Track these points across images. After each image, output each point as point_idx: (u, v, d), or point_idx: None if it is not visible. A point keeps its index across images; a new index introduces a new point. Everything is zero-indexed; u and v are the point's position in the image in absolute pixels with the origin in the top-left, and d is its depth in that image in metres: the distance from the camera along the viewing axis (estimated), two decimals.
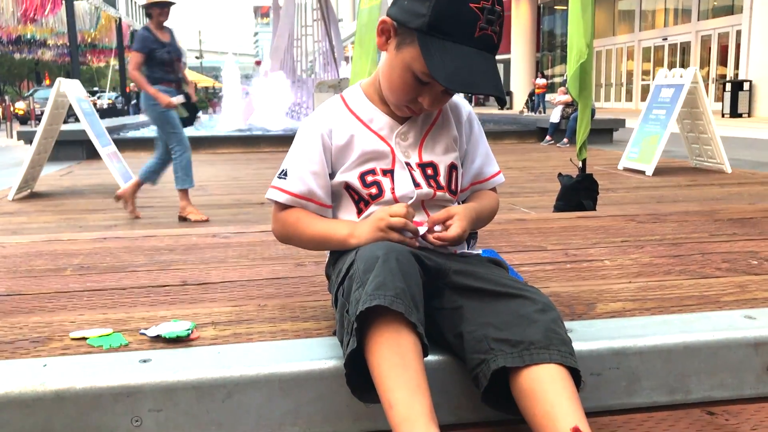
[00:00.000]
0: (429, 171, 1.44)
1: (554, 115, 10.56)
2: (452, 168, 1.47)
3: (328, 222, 1.44)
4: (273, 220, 1.48)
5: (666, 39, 25.54)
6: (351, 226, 1.40)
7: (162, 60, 4.73)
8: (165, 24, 4.82)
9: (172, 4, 4.82)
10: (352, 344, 1.16)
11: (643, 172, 6.32)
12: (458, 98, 1.53)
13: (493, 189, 1.59)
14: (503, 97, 1.39)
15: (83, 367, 1.28)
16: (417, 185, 1.42)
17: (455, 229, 1.35)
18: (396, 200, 1.40)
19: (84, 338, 1.44)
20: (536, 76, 23.90)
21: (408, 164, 1.43)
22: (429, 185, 1.43)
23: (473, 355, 1.23)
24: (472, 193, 1.56)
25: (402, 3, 1.32)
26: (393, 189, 1.41)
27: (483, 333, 1.22)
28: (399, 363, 1.14)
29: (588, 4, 3.42)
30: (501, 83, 1.34)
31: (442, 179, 1.45)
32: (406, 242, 1.33)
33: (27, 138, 8.62)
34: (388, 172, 1.42)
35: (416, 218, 1.42)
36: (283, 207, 1.45)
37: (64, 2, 17.55)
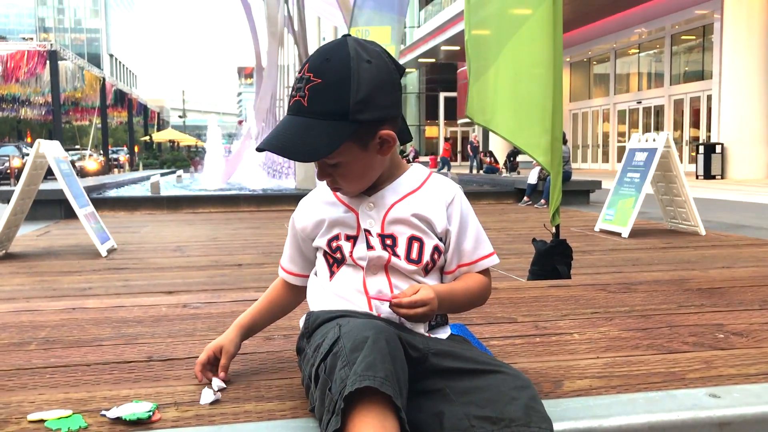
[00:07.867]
0: (388, 241, 1.49)
1: (532, 177, 10.71)
2: (413, 239, 1.49)
3: (250, 309, 1.71)
4: None
5: (640, 102, 26.27)
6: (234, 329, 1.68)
7: None
8: None
9: None
10: (335, 423, 1.15)
11: (619, 234, 6.39)
12: (445, 180, 1.58)
13: (485, 271, 1.58)
14: (275, 151, 1.39)
15: None
16: (371, 248, 1.48)
17: (424, 292, 1.39)
18: (354, 261, 1.48)
19: (42, 420, 1.41)
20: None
21: (368, 231, 1.49)
22: (384, 250, 1.48)
23: None
24: (459, 275, 1.56)
25: None
26: (351, 252, 1.48)
27: (465, 411, 1.24)
28: None
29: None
30: (285, 140, 1.38)
31: (399, 249, 1.48)
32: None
33: (4, 198, 8.56)
34: (352, 238, 1.50)
35: (379, 288, 1.46)
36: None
37: (48, 63, 17.72)
